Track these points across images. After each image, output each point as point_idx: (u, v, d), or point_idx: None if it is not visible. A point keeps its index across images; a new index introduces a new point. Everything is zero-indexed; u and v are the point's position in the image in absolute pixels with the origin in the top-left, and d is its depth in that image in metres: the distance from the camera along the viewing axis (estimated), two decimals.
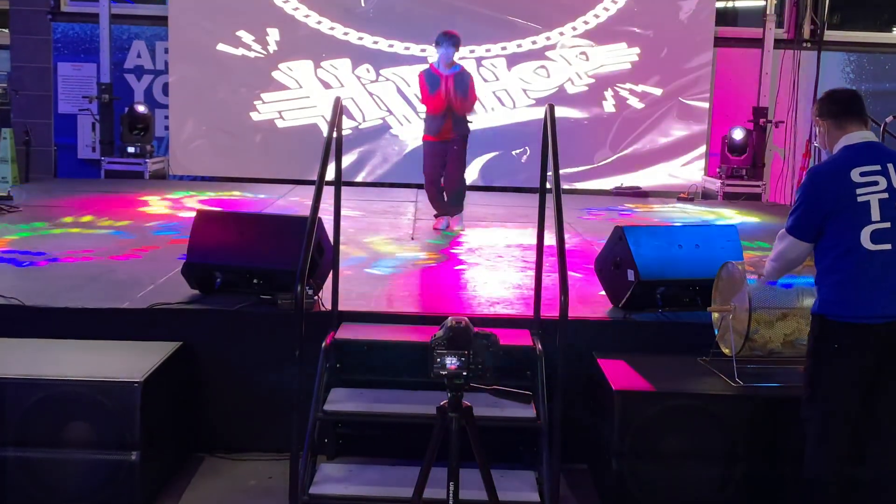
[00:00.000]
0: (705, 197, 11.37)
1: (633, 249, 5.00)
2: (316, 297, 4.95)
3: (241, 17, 11.28)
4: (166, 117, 11.55)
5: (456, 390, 2.92)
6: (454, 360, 2.79)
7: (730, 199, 10.91)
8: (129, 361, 4.23)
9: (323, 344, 4.45)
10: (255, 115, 11.40)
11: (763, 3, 11.56)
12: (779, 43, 11.76)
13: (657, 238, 5.20)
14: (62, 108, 11.88)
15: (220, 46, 11.28)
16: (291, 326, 3.95)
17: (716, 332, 4.51)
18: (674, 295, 5.06)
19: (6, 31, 12.58)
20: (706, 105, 11.60)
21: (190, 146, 11.43)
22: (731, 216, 9.37)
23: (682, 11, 11.46)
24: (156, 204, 8.89)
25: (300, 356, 3.87)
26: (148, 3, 12.28)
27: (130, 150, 10.97)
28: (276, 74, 11.36)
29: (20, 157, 11.35)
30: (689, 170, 11.64)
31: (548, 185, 4.69)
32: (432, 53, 8.41)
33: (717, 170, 11.37)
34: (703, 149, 11.66)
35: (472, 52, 11.13)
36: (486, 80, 11.32)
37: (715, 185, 11.29)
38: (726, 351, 4.37)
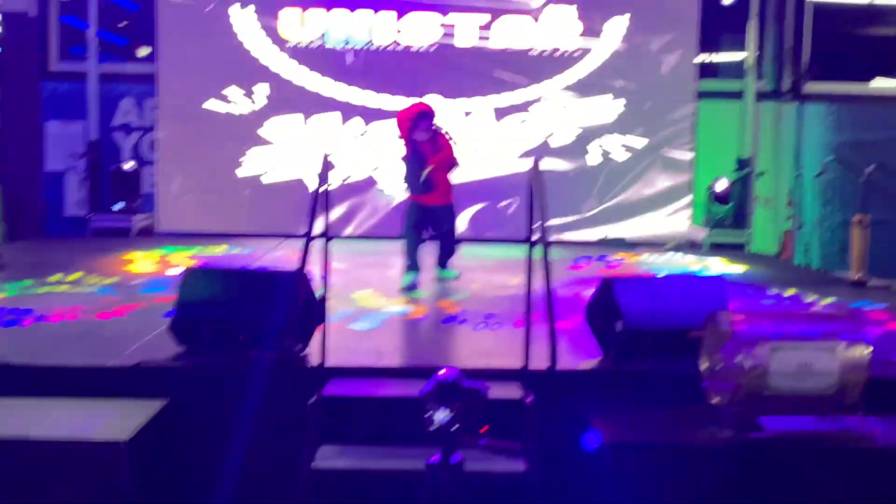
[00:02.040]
0: (691, 247, 11.42)
1: (620, 299, 5.02)
2: (304, 353, 4.93)
3: (230, 73, 11.38)
4: (153, 174, 11.59)
5: (446, 444, 2.91)
6: (444, 414, 2.79)
7: (715, 249, 10.97)
8: (114, 420, 4.19)
9: (311, 400, 4.42)
10: (241, 171, 11.45)
11: (744, 56, 11.74)
12: (760, 95, 11.94)
13: (644, 288, 5.22)
14: (50, 165, 11.91)
15: (208, 103, 11.37)
16: (279, 383, 3.93)
17: (704, 384, 4.50)
18: (662, 345, 5.06)
19: None
20: (690, 156, 11.72)
21: (177, 202, 11.45)
22: (716, 266, 9.41)
23: (664, 65, 11.63)
24: (143, 261, 8.88)
25: (287, 413, 3.85)
26: (136, 61, 12.40)
27: (117, 206, 10.98)
28: (262, 130, 11.44)
29: (7, 215, 11.32)
30: (675, 220, 11.71)
31: (534, 237, 4.72)
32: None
33: (702, 220, 11.44)
34: (687, 199, 11.75)
35: (458, 105, 11.25)
36: (472, 133, 11.43)
37: (700, 235, 11.35)
38: (716, 401, 4.36)
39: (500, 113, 11.50)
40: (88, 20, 11.27)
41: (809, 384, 4.17)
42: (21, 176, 11.79)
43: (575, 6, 11.50)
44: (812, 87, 12.25)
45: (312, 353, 4.91)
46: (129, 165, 11.22)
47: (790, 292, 7.60)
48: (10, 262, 8.34)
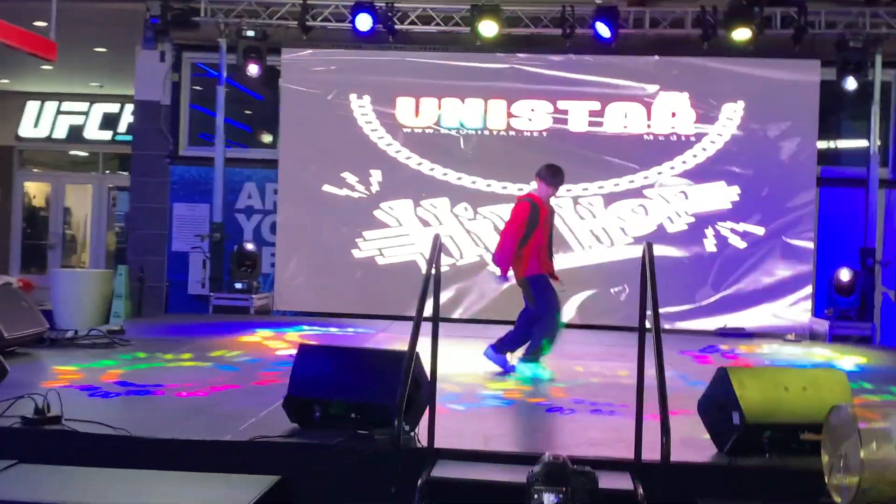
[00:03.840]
0: (813, 338, 11.02)
1: (737, 391, 4.86)
2: (412, 433, 4.94)
3: (347, 159, 11.76)
4: (272, 255, 11.97)
5: None
6: (552, 496, 2.75)
7: (838, 341, 10.55)
8: (228, 495, 4.26)
9: (419, 482, 4.41)
10: (356, 253, 11.72)
11: (867, 143, 11.44)
12: (883, 182, 11.58)
13: (762, 380, 5.05)
14: (175, 246, 12.44)
15: (326, 187, 11.75)
16: (388, 462, 3.94)
17: (826, 481, 4.30)
18: (781, 439, 4.86)
19: (127, 174, 13.40)
20: (811, 245, 11.40)
21: (294, 282, 11.78)
22: (840, 359, 9.04)
23: (783, 151, 11.44)
24: (260, 339, 9.10)
25: (396, 493, 3.84)
26: (260, 147, 12.95)
27: (238, 285, 11.35)
28: (377, 213, 11.72)
29: (133, 293, 11.86)
30: (795, 310, 11.35)
31: (647, 325, 4.65)
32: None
33: (825, 311, 11.05)
34: (808, 289, 11.39)
35: (568, 190, 11.30)
36: (582, 218, 11.45)
37: (823, 326, 10.95)
38: (838, 500, 4.15)
39: (612, 198, 11.47)
40: (217, 108, 11.83)
41: None
42: (148, 255, 12.36)
43: (687, 94, 11.49)
44: None
45: (421, 434, 4.91)
46: (249, 246, 11.62)
47: None
48: (134, 337, 8.66)
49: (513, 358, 7.60)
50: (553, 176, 7.61)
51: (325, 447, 4.83)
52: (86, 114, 16.46)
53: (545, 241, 7.55)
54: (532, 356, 7.43)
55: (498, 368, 7.53)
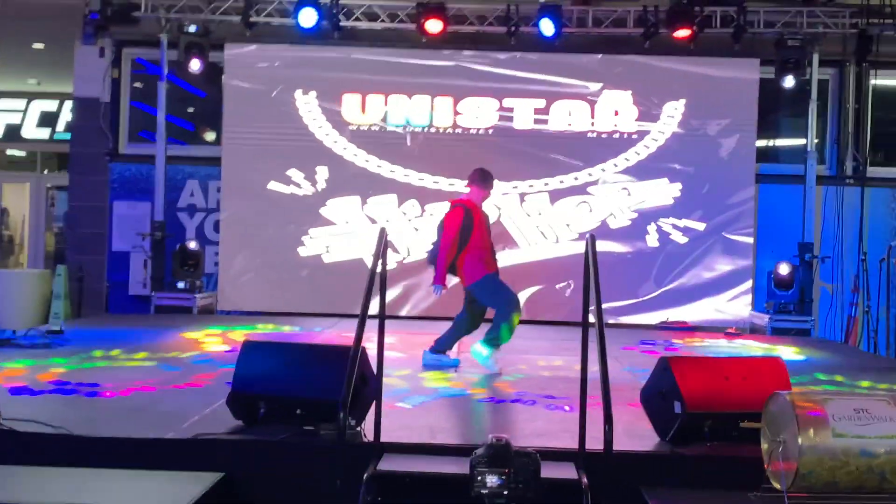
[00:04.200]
0: (753, 332, 11.23)
1: (678, 381, 4.94)
2: (359, 428, 4.93)
3: (292, 157, 11.68)
4: (216, 253, 11.84)
5: None
6: (495, 478, 2.76)
7: (778, 334, 10.76)
8: (169, 493, 4.21)
9: (364, 476, 4.40)
10: (302, 251, 11.64)
11: (805, 140, 11.68)
12: (821, 179, 11.83)
13: (703, 369, 5.13)
14: (116, 245, 12.24)
15: (271, 185, 11.65)
16: (334, 457, 3.93)
17: (766, 467, 4.38)
18: (722, 427, 4.95)
19: (66, 173, 13.15)
20: (750, 240, 11.61)
21: (238, 281, 11.66)
22: (780, 351, 9.22)
23: (723, 149, 11.63)
24: (203, 338, 9.00)
25: (341, 488, 3.83)
26: (203, 144, 12.79)
27: (180, 285, 11.20)
28: (323, 211, 11.65)
29: (73, 293, 11.63)
30: (736, 305, 11.56)
31: (591, 319, 4.70)
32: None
33: (765, 305, 11.26)
34: (749, 284, 11.60)
35: (514, 187, 11.38)
36: (528, 215, 11.51)
37: (763, 320, 11.16)
38: (777, 486, 4.23)
39: (557, 195, 11.56)
40: (158, 105, 11.66)
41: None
42: (88, 255, 12.14)
43: (630, 92, 11.62)
44: (875, 171, 12.12)
45: (367, 429, 4.91)
46: (192, 245, 11.47)
47: (864, 384, 7.40)
48: (74, 338, 8.52)
49: (453, 353, 7.62)
50: (486, 180, 7.67)
51: (269, 443, 4.80)
52: (23, 112, 16.09)
53: (486, 243, 7.57)
54: (491, 341, 7.40)
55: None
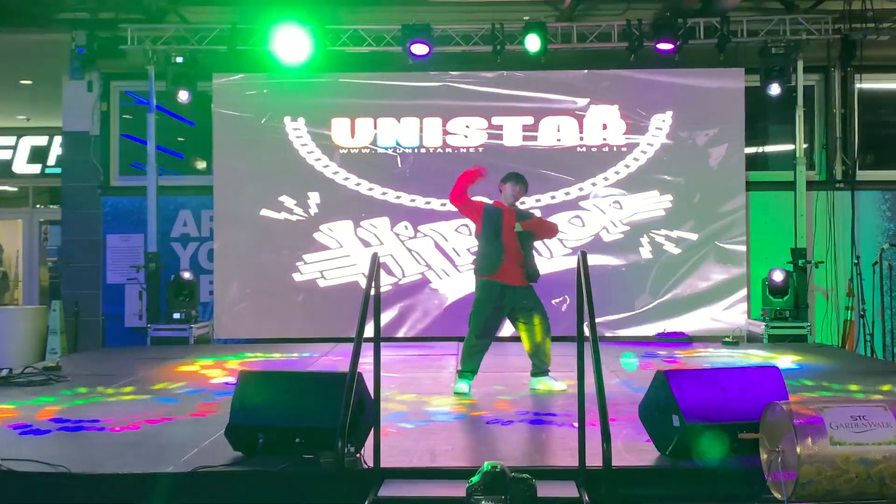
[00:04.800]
0: (750, 340, 11.25)
1: (676, 394, 4.94)
2: (358, 455, 4.92)
3: (284, 182, 11.70)
4: (211, 282, 11.84)
5: None
6: None
7: (775, 341, 10.78)
8: None
9: (366, 502, 4.39)
10: (297, 276, 11.64)
11: (793, 146, 11.73)
12: (811, 184, 11.88)
13: (700, 382, 5.14)
14: (110, 278, 12.23)
15: (263, 211, 11.67)
16: (334, 486, 3.92)
17: (766, 477, 4.38)
18: (721, 439, 4.94)
19: (58, 207, 13.14)
20: (743, 248, 11.64)
21: (234, 309, 11.65)
22: (776, 358, 9.23)
23: (712, 158, 11.68)
24: (200, 368, 8.99)
25: None
26: (194, 174, 12.81)
27: (176, 316, 11.19)
28: (317, 235, 11.67)
29: (69, 328, 11.61)
30: (732, 313, 11.57)
31: (586, 333, 4.70)
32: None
33: (761, 312, 11.28)
34: (743, 291, 11.62)
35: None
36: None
37: (759, 327, 11.18)
38: (778, 496, 4.23)
39: (549, 210, 11.58)
40: (147, 136, 11.68)
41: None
42: (83, 289, 12.13)
43: (617, 106, 11.68)
44: (864, 174, 12.18)
45: (367, 454, 4.90)
46: (186, 275, 11.47)
47: (854, 388, 7.41)
48: (71, 373, 8.49)
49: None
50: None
51: (269, 474, 4.79)
52: (13, 148, 16.12)
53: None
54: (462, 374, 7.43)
55: (441, 386, 7.51)
